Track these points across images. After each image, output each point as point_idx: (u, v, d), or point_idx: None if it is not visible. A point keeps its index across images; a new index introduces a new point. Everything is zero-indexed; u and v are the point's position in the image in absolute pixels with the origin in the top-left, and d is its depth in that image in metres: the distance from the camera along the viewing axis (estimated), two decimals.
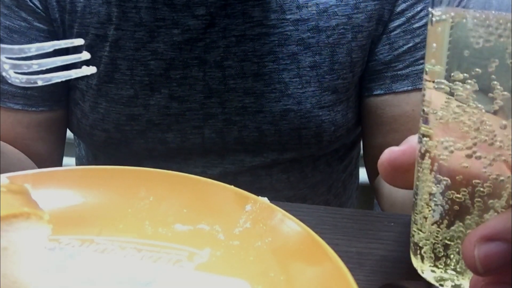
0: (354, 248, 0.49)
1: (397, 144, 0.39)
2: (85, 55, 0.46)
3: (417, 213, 0.36)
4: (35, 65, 0.44)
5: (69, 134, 0.84)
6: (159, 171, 0.51)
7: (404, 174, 0.38)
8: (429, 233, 0.35)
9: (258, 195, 0.48)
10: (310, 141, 0.73)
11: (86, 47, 0.71)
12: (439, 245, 0.35)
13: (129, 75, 0.71)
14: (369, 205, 1.66)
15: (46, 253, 0.37)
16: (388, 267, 0.47)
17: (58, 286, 0.40)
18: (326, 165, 0.80)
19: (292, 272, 0.41)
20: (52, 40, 0.72)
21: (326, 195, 0.83)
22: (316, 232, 0.42)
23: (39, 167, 0.75)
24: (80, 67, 0.46)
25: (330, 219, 0.54)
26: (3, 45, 0.43)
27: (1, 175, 0.42)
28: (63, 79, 0.45)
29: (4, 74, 0.44)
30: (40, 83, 0.44)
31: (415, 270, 0.37)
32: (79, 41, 0.47)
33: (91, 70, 0.46)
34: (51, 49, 0.45)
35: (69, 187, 0.50)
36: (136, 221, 0.48)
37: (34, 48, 0.44)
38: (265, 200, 0.47)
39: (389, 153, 0.39)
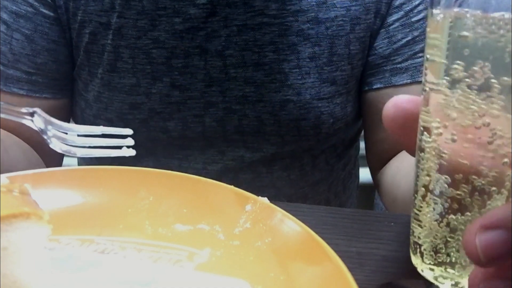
0: (354, 248, 0.50)
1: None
2: (129, 142, 0.48)
3: (417, 210, 0.36)
4: (79, 142, 0.47)
5: None
6: (159, 171, 0.51)
7: (410, 124, 0.37)
8: (429, 230, 0.35)
9: (258, 194, 0.48)
10: (308, 132, 0.74)
11: (89, 35, 0.72)
12: (439, 243, 0.35)
13: (131, 64, 0.72)
14: (369, 205, 1.66)
15: (46, 253, 0.37)
16: (388, 267, 0.47)
17: (58, 286, 0.40)
18: (325, 163, 0.81)
19: (292, 272, 0.41)
20: (56, 27, 0.73)
21: (327, 194, 0.83)
22: (316, 232, 0.42)
23: (41, 156, 0.76)
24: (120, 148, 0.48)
25: (330, 219, 0.54)
26: (54, 120, 0.46)
27: (1, 175, 0.42)
28: (101, 156, 0.47)
29: (45, 137, 0.45)
30: (78, 155, 0.47)
31: (415, 270, 0.37)
32: (128, 131, 0.48)
33: (130, 152, 0.47)
34: (99, 133, 0.47)
35: (69, 187, 0.50)
36: (136, 221, 0.48)
37: (83, 130, 0.47)
38: (265, 200, 0.47)
39: (396, 99, 0.38)
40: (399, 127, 0.38)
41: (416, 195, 0.36)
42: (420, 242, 0.36)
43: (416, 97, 0.37)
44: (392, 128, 0.38)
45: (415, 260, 0.37)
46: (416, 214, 0.36)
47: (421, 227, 0.36)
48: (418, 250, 0.36)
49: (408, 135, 0.38)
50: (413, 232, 0.37)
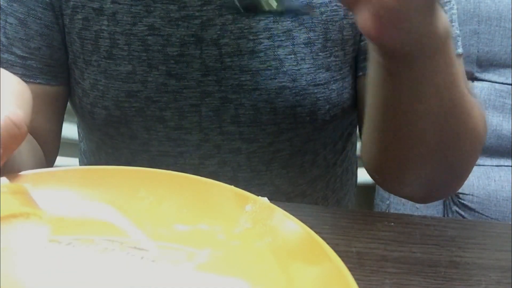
0: (354, 248, 0.50)
1: None
2: None
3: None
4: None
5: (71, 133, 0.84)
6: (159, 171, 0.51)
7: None
8: None
9: (257, 191, 0.48)
10: (304, 119, 0.74)
11: (82, 21, 0.72)
12: None
13: (127, 51, 0.72)
14: (369, 205, 1.67)
15: (46, 253, 0.37)
16: (388, 267, 0.47)
17: (58, 286, 0.40)
18: (324, 159, 0.81)
19: (292, 272, 0.41)
20: (49, 12, 0.73)
21: (325, 191, 0.84)
22: (316, 232, 0.42)
23: (38, 142, 0.76)
24: None
25: (330, 219, 0.55)
26: None
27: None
28: None
29: None
30: None
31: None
32: None
33: None
34: None
35: (69, 187, 0.50)
36: (136, 221, 0.48)
37: None
38: (265, 200, 0.47)
39: None
40: None
41: None
42: None
43: None
44: None
45: None
46: None
47: None
48: None
49: None
50: None
